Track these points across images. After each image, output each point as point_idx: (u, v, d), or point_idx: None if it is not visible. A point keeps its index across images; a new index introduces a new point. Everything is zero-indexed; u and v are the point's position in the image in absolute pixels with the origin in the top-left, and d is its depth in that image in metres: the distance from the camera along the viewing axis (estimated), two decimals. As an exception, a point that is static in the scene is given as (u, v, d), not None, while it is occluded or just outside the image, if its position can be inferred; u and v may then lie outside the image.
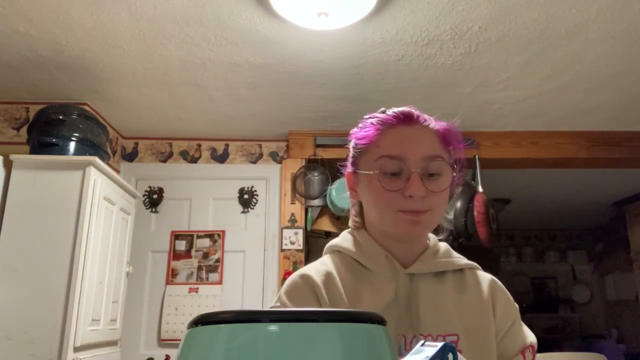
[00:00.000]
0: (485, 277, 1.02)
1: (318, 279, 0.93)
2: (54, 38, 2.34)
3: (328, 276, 0.94)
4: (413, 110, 0.99)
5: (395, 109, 1.00)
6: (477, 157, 3.37)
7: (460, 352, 0.83)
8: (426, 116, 0.99)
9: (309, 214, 3.38)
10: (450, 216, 3.29)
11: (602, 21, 2.18)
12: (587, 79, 2.70)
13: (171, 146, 3.57)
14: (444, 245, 1.04)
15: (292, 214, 3.36)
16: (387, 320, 0.76)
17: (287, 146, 3.52)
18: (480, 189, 3.28)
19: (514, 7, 2.09)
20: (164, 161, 3.55)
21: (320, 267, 0.97)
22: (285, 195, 3.41)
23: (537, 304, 6.68)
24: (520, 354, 0.94)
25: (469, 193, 3.27)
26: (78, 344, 2.28)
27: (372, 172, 0.93)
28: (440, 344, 0.54)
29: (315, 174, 3.36)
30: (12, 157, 2.49)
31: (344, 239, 1.03)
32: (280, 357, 0.39)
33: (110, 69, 2.60)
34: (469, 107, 3.07)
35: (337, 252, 1.02)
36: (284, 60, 2.53)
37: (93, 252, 2.45)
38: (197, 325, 0.44)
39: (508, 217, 5.43)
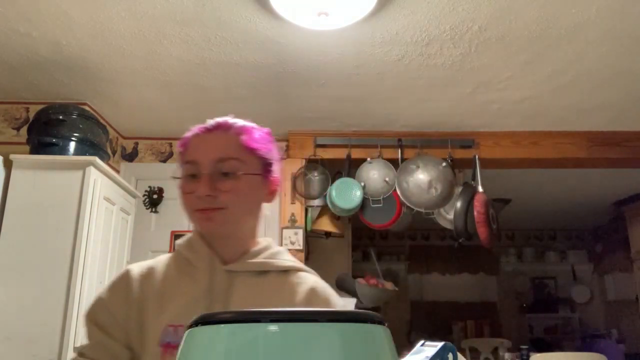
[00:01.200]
0: (308, 282, 1.04)
1: (137, 272, 1.04)
2: (54, 38, 2.34)
3: (149, 270, 1.04)
4: (224, 120, 1.05)
5: (214, 120, 1.06)
6: (477, 157, 3.37)
7: None
8: (238, 124, 1.04)
9: (309, 214, 3.38)
10: (450, 216, 3.29)
11: (602, 21, 2.18)
12: (587, 79, 2.70)
13: (171, 146, 3.57)
14: (277, 249, 1.08)
15: (292, 214, 3.36)
16: (197, 309, 0.85)
17: (287, 146, 3.51)
18: (480, 189, 3.28)
19: (514, 7, 2.09)
20: (164, 161, 3.55)
21: (148, 262, 1.07)
22: (285, 195, 3.40)
23: (537, 304, 6.68)
24: None
25: (469, 193, 3.27)
26: (78, 344, 2.28)
27: (179, 177, 1.03)
28: (440, 344, 0.54)
29: (315, 174, 3.36)
30: (12, 157, 2.49)
31: (184, 239, 1.10)
32: (280, 357, 0.39)
33: (110, 69, 2.60)
34: (469, 107, 3.07)
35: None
36: (284, 60, 2.53)
37: (93, 252, 2.45)
38: (197, 325, 0.44)
39: (508, 217, 5.43)
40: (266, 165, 1.04)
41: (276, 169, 1.08)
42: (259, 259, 1.03)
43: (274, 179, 1.07)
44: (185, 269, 1.03)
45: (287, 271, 1.05)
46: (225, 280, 1.00)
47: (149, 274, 1.04)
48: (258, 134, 1.06)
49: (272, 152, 1.07)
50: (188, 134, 1.05)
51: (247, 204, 1.02)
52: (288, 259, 1.07)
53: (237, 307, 0.93)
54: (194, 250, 1.05)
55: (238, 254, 1.03)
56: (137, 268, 1.06)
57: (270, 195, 1.07)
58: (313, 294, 1.02)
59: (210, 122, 1.06)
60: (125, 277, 1.04)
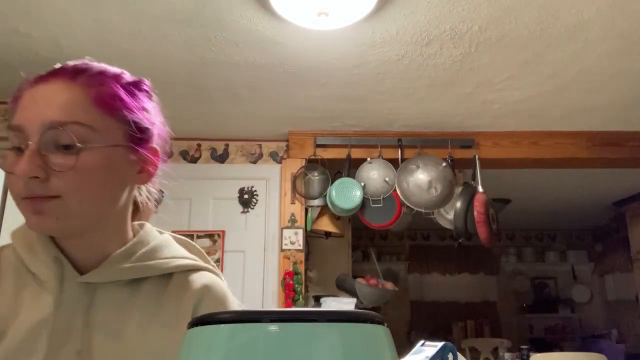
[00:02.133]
0: (198, 281, 0.79)
1: None
2: (54, 38, 2.34)
3: None
4: (71, 63, 0.74)
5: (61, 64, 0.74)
6: (477, 157, 3.37)
7: None
8: (92, 70, 0.73)
9: (309, 214, 3.38)
10: (450, 216, 3.30)
11: (602, 21, 2.18)
12: (587, 79, 2.70)
13: (171, 146, 3.57)
14: (155, 243, 0.80)
15: (292, 214, 3.36)
16: (39, 345, 0.66)
17: (287, 146, 3.52)
18: (480, 189, 3.28)
19: (514, 7, 2.09)
20: (164, 161, 3.55)
21: None
22: (285, 195, 3.41)
23: (537, 304, 6.69)
24: None
25: (469, 193, 3.27)
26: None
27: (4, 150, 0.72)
28: (440, 344, 0.54)
29: (315, 174, 3.36)
30: (12, 157, 2.49)
31: (21, 227, 0.78)
32: (280, 357, 0.39)
33: (110, 69, 2.60)
34: (469, 107, 3.07)
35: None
36: (284, 60, 2.54)
37: (93, 252, 2.45)
38: (197, 325, 0.44)
39: (508, 217, 5.43)
40: (136, 132, 0.74)
41: (155, 137, 0.79)
42: (129, 263, 0.75)
43: (148, 151, 0.77)
44: (23, 278, 0.73)
45: (171, 274, 0.78)
46: (81, 296, 0.71)
47: None
48: (124, 86, 0.75)
49: (147, 111, 0.78)
50: (22, 85, 0.76)
51: (96, 189, 0.71)
52: (173, 256, 0.80)
53: (101, 334, 0.70)
54: (32, 251, 0.74)
55: (98, 258, 0.74)
56: None
57: (143, 174, 0.78)
58: (205, 291, 0.79)
59: (57, 65, 0.74)
60: None
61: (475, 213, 3.14)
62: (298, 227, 3.34)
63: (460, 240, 3.34)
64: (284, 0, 2.03)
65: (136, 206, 0.83)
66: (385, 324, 0.46)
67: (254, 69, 2.62)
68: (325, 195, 3.29)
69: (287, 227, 3.34)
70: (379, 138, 3.39)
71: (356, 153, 3.40)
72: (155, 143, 0.79)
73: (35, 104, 0.70)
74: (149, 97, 0.80)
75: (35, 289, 0.72)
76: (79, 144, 0.68)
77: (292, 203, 3.38)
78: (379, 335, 0.44)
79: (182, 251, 0.83)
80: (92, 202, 0.71)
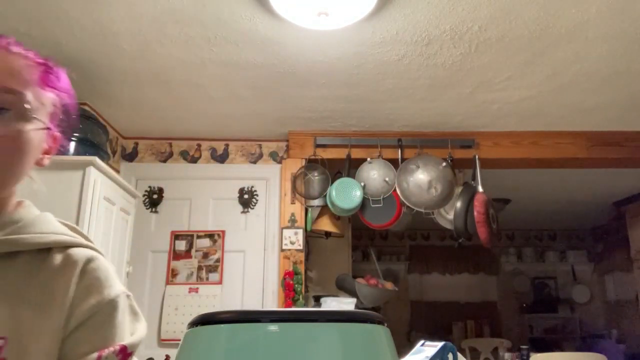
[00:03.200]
0: (78, 256, 0.75)
1: None
2: (54, 38, 2.34)
3: None
4: (4, 36, 0.75)
5: None
6: (477, 157, 3.37)
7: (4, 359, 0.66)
8: (23, 49, 0.75)
9: (309, 214, 3.39)
10: (450, 216, 3.30)
11: (602, 21, 2.18)
12: (587, 79, 2.70)
13: (171, 146, 3.57)
14: (33, 216, 0.78)
15: (292, 214, 3.36)
16: None
17: (287, 146, 3.52)
18: (480, 189, 3.28)
19: (514, 7, 2.09)
20: (164, 161, 3.55)
21: None
22: (285, 195, 3.41)
23: (537, 304, 6.69)
24: (97, 354, 0.69)
25: (469, 193, 3.27)
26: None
27: None
28: (440, 344, 0.54)
29: (315, 174, 3.36)
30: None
31: None
32: (280, 356, 0.39)
33: (110, 69, 2.60)
34: (469, 107, 3.07)
35: None
36: (284, 60, 2.53)
37: (93, 252, 2.45)
38: (197, 325, 0.44)
39: (508, 217, 5.43)
40: (57, 114, 0.76)
41: (61, 119, 0.79)
42: (5, 236, 0.72)
43: (56, 136, 0.78)
44: None
45: (49, 249, 0.74)
46: None
47: None
48: (55, 68, 0.78)
49: (69, 97, 0.79)
50: None
51: (19, 163, 0.72)
52: (50, 232, 0.76)
53: None
54: None
55: None
56: None
57: (43, 158, 0.78)
58: (87, 265, 0.75)
59: None
60: None
61: (475, 213, 3.14)
62: (298, 227, 3.34)
63: (460, 240, 3.34)
64: (284, 0, 2.03)
65: None
66: (385, 324, 0.46)
67: (254, 69, 2.62)
68: (325, 195, 3.29)
69: (287, 227, 3.34)
70: (379, 138, 3.39)
71: (356, 153, 3.40)
72: (57, 130, 0.78)
73: None
74: (64, 83, 0.80)
75: None
76: (30, 114, 0.68)
77: (292, 203, 3.38)
78: (379, 335, 0.44)
79: (62, 228, 0.79)
80: (10, 175, 0.71)
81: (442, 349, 0.55)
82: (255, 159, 3.57)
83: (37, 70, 0.74)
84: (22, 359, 0.67)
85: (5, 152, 0.68)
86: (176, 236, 3.41)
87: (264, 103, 3.02)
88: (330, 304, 3.07)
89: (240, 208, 3.48)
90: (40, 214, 0.79)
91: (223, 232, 3.40)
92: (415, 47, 2.41)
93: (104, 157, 2.71)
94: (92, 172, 2.47)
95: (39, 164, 0.77)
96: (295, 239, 3.32)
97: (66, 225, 0.83)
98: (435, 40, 2.35)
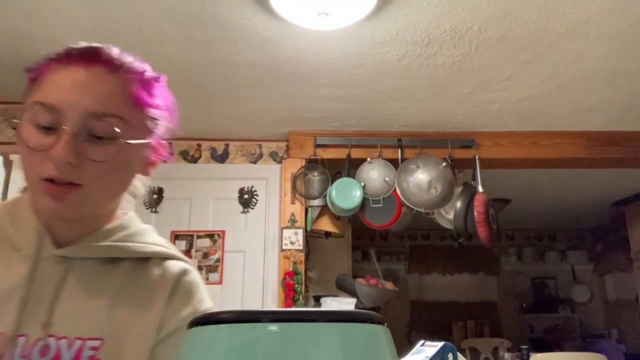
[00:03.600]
0: (175, 267, 0.79)
1: None
2: (54, 38, 2.34)
3: None
4: (105, 51, 0.75)
5: (92, 45, 0.76)
6: (477, 157, 3.37)
7: None
8: (131, 63, 0.75)
9: (309, 214, 3.39)
10: (450, 216, 3.30)
11: (602, 21, 2.18)
12: (587, 79, 2.70)
13: (171, 146, 3.57)
14: (137, 228, 0.81)
15: (292, 214, 3.36)
16: (8, 312, 0.67)
17: (287, 146, 3.52)
18: (480, 189, 3.28)
19: (514, 7, 2.09)
20: (164, 161, 3.55)
21: None
22: (285, 195, 3.41)
23: (537, 304, 6.69)
24: None
25: (469, 193, 3.27)
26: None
27: (20, 121, 0.72)
28: (440, 344, 0.54)
29: (315, 174, 3.36)
30: (12, 157, 2.49)
31: (12, 199, 0.80)
32: (280, 357, 0.39)
33: (110, 69, 2.60)
34: (469, 107, 3.07)
35: None
36: (284, 60, 2.53)
37: (93, 252, 2.45)
38: (197, 325, 0.44)
39: (508, 217, 5.43)
40: (155, 127, 0.77)
41: (164, 132, 0.80)
42: (107, 242, 0.75)
43: (160, 147, 0.80)
44: (3, 246, 0.73)
45: (148, 259, 0.78)
46: (55, 269, 0.71)
47: None
48: (154, 84, 0.78)
49: (166, 109, 0.81)
50: (49, 59, 0.75)
51: (118, 180, 0.74)
52: (151, 243, 0.80)
53: (68, 307, 0.70)
54: (16, 221, 0.75)
55: (79, 234, 0.75)
56: None
57: (148, 167, 0.80)
58: (181, 278, 0.79)
59: (86, 46, 0.75)
60: None
61: (475, 213, 3.14)
62: (298, 227, 3.34)
63: (460, 240, 3.34)
64: (284, 0, 2.03)
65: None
66: (385, 324, 0.46)
67: (254, 69, 2.62)
68: (325, 195, 3.29)
69: (287, 227, 3.34)
70: (379, 138, 3.39)
71: (356, 153, 3.40)
72: (163, 138, 0.81)
73: (74, 88, 0.69)
74: (168, 93, 0.83)
75: (10, 257, 0.72)
76: (117, 137, 0.69)
77: (292, 203, 3.38)
78: (379, 335, 0.44)
79: (161, 240, 0.83)
80: (110, 192, 0.75)
81: (442, 349, 0.55)
82: (255, 159, 3.57)
83: (136, 86, 0.74)
84: (121, 358, 0.71)
85: (104, 175, 0.71)
86: (176, 236, 3.41)
87: (264, 103, 3.02)
88: (330, 304, 3.07)
89: (240, 208, 3.48)
90: (143, 226, 0.83)
91: (223, 232, 3.40)
92: (415, 47, 2.41)
93: (104, 157, 2.70)
94: (92, 172, 2.47)
95: (144, 174, 0.81)
96: (295, 239, 3.32)
97: (162, 238, 0.88)
98: (435, 40, 2.35)
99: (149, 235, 0.82)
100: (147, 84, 0.76)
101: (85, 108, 0.68)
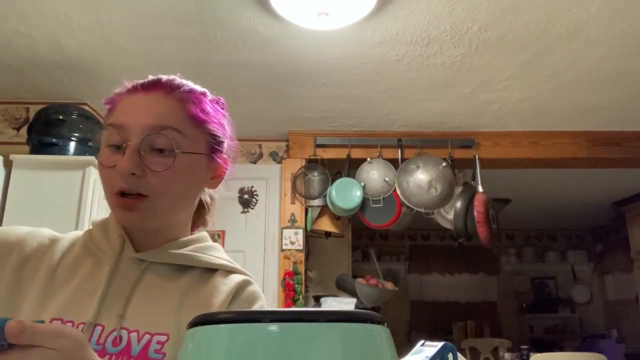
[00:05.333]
0: (239, 279, 0.88)
1: (35, 240, 0.83)
2: (54, 38, 2.34)
3: (52, 241, 0.85)
4: (168, 78, 0.86)
5: (156, 76, 0.87)
6: (477, 157, 3.37)
7: (164, 354, 0.75)
8: (186, 87, 0.86)
9: (309, 214, 3.39)
10: (450, 216, 3.30)
11: (602, 21, 2.18)
12: (587, 79, 2.70)
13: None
14: (208, 244, 0.90)
15: (292, 214, 3.36)
16: (89, 303, 0.76)
17: (287, 146, 3.52)
18: (480, 189, 3.28)
19: (514, 7, 2.09)
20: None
21: (57, 234, 0.88)
22: (285, 195, 3.41)
23: (537, 304, 6.69)
24: None
25: (469, 193, 3.27)
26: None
27: (98, 146, 0.81)
28: (440, 344, 0.54)
29: (315, 174, 3.36)
30: (12, 157, 2.49)
31: (103, 218, 0.90)
32: (280, 357, 0.39)
33: (110, 69, 2.60)
34: (469, 107, 3.07)
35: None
36: (284, 60, 2.53)
37: (93, 252, 2.45)
38: (197, 325, 0.44)
39: (508, 217, 5.43)
40: (214, 143, 0.85)
41: (226, 149, 0.89)
42: (182, 251, 0.84)
43: (222, 161, 0.87)
44: (91, 252, 0.83)
45: (215, 270, 0.87)
46: (133, 270, 0.81)
47: (50, 245, 0.84)
48: (209, 103, 0.87)
49: (224, 126, 0.89)
50: (120, 90, 0.85)
51: (182, 190, 0.81)
52: (219, 257, 0.89)
53: (141, 304, 0.78)
54: (105, 232, 0.85)
55: (158, 244, 0.84)
56: (39, 236, 0.86)
57: (215, 180, 0.89)
58: (242, 286, 0.87)
59: (151, 77, 0.86)
60: (20, 238, 0.83)
61: (475, 213, 3.14)
62: (298, 227, 3.34)
63: (460, 240, 3.34)
64: (284, 0, 2.03)
65: (200, 205, 0.94)
66: (385, 324, 0.46)
67: (254, 69, 2.62)
68: (325, 195, 3.29)
69: (287, 227, 3.34)
70: (379, 138, 3.39)
71: (356, 153, 3.40)
72: (226, 153, 0.89)
73: (137, 109, 0.79)
74: (225, 114, 0.92)
75: (97, 259, 0.82)
76: (175, 149, 0.77)
77: (292, 203, 3.38)
78: (379, 335, 0.44)
79: (227, 256, 0.92)
80: (176, 202, 0.82)
81: (442, 349, 0.55)
82: (255, 159, 3.57)
83: (192, 103, 0.83)
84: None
85: (168, 186, 0.78)
86: (176, 236, 3.40)
87: (264, 103, 3.02)
88: (330, 304, 3.07)
89: (240, 208, 3.48)
90: (213, 243, 0.92)
91: (223, 232, 3.40)
92: (415, 47, 2.41)
93: (104, 157, 2.71)
94: (92, 172, 2.47)
95: (211, 187, 0.90)
96: (295, 239, 3.32)
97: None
98: (435, 40, 2.35)
99: (218, 251, 0.91)
100: (202, 103, 0.85)
101: (146, 124, 0.77)
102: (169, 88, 0.83)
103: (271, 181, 3.50)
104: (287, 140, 3.51)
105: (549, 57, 2.48)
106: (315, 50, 2.44)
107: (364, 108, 3.10)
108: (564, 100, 2.97)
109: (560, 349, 5.84)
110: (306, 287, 3.40)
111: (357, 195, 3.21)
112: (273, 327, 0.40)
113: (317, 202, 3.38)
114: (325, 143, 3.43)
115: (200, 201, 0.93)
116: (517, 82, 2.75)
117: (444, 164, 3.26)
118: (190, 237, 0.88)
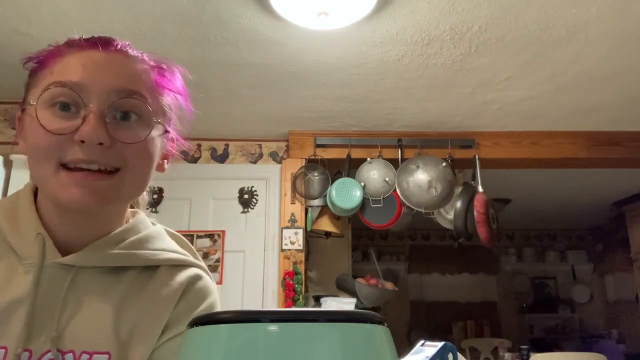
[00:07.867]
0: (186, 275, 0.75)
1: None
2: (54, 38, 2.34)
3: None
4: (117, 39, 0.72)
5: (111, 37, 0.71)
6: (477, 157, 3.37)
7: None
8: (137, 51, 0.73)
9: (309, 214, 3.39)
10: (450, 216, 3.29)
11: (602, 21, 2.18)
12: (587, 79, 2.70)
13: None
14: (146, 232, 0.75)
15: (292, 214, 3.36)
16: (13, 325, 0.61)
17: (287, 146, 3.52)
18: (480, 189, 3.28)
19: (514, 7, 2.09)
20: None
21: None
22: (285, 195, 3.41)
23: (537, 304, 6.69)
24: None
25: (469, 193, 3.27)
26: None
27: (32, 105, 0.64)
28: (440, 344, 0.54)
29: (315, 174, 3.36)
30: (12, 157, 2.49)
31: (8, 197, 0.72)
32: (280, 357, 0.39)
33: (110, 69, 2.60)
34: (469, 107, 3.07)
35: None
36: (284, 60, 2.54)
37: (93, 252, 2.45)
38: (197, 325, 0.44)
39: (508, 217, 5.43)
40: (172, 120, 0.74)
41: (178, 120, 0.76)
42: (115, 249, 0.70)
43: (174, 140, 0.75)
44: (4, 254, 0.67)
45: (157, 267, 0.73)
46: (59, 279, 0.66)
47: None
48: (172, 73, 0.75)
49: (186, 102, 0.78)
50: (53, 47, 0.72)
51: (150, 169, 0.69)
52: (162, 249, 0.75)
53: (75, 321, 0.66)
54: (15, 225, 0.68)
55: (89, 239, 0.69)
56: None
57: (165, 159, 0.76)
58: (191, 284, 0.74)
59: (96, 36, 0.70)
60: None
61: (475, 213, 3.14)
62: (298, 227, 3.34)
63: (460, 240, 3.34)
64: (284, 0, 2.03)
65: None
66: (385, 324, 0.46)
67: (254, 69, 2.62)
68: (325, 195, 3.29)
69: (287, 227, 3.34)
70: (379, 138, 3.39)
71: (356, 153, 3.40)
72: (174, 134, 0.76)
73: (97, 67, 0.65)
74: (182, 85, 0.78)
75: (11, 264, 0.66)
76: (153, 118, 0.65)
77: (292, 203, 3.38)
78: (379, 335, 0.44)
79: (173, 245, 0.78)
80: (142, 183, 0.69)
81: (442, 349, 0.55)
82: (255, 159, 3.57)
83: (153, 73, 0.71)
84: None
85: (136, 161, 0.65)
86: (176, 236, 3.40)
87: (264, 103, 3.02)
88: (330, 304, 3.07)
89: (240, 208, 3.48)
90: (153, 228, 0.78)
91: (223, 232, 3.40)
92: (415, 47, 2.41)
93: (104, 157, 2.71)
94: (92, 172, 2.47)
95: (159, 169, 0.75)
96: (295, 239, 3.32)
97: (176, 237, 0.82)
98: (435, 40, 2.35)
99: (160, 240, 0.77)
100: (164, 73, 0.73)
101: (113, 85, 0.64)
102: (129, 53, 0.71)
103: (271, 181, 3.50)
104: (287, 140, 3.51)
105: (549, 57, 2.48)
106: (315, 50, 2.44)
107: (364, 108, 3.10)
108: (564, 100, 2.97)
109: (560, 349, 5.84)
110: (306, 287, 3.40)
111: (357, 195, 3.21)
112: (273, 327, 0.40)
113: (317, 202, 3.37)
114: (325, 143, 3.43)
115: None
116: (517, 82, 2.75)
117: (444, 164, 3.26)
118: (124, 227, 0.73)
